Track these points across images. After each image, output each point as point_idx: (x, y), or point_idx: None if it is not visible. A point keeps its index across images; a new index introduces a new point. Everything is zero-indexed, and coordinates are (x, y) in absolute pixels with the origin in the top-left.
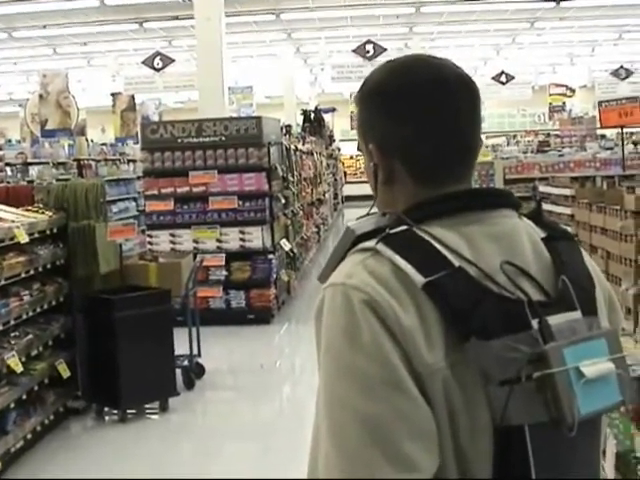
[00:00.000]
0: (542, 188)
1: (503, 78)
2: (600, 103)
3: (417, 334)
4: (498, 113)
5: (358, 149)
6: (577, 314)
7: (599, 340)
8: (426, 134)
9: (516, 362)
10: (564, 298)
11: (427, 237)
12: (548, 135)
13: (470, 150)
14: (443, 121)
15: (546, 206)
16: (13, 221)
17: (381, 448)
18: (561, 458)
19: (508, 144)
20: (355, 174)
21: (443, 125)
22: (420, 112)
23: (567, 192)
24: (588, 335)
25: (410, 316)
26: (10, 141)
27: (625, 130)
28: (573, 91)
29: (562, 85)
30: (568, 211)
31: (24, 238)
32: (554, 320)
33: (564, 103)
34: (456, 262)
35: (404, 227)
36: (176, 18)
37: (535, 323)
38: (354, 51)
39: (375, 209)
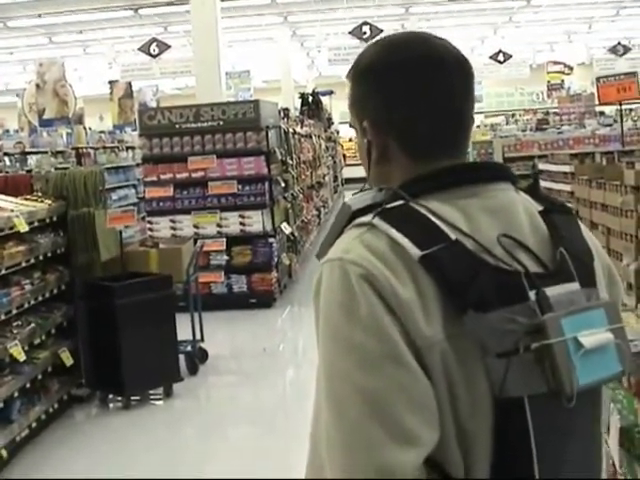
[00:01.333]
0: (541, 165)
1: (501, 57)
2: (598, 79)
3: (415, 307)
4: (496, 92)
5: (350, 126)
6: (575, 285)
7: (597, 310)
8: (420, 111)
9: (514, 334)
10: (562, 270)
11: (424, 211)
12: (547, 113)
13: (464, 128)
14: (437, 99)
15: (546, 183)
16: (12, 210)
17: (381, 421)
18: (561, 429)
19: (507, 123)
20: (354, 156)
21: (437, 103)
22: (414, 89)
23: (566, 169)
24: (586, 305)
25: (407, 289)
26: (8, 131)
27: (624, 107)
28: (571, 69)
29: (560, 63)
30: (568, 188)
31: (24, 227)
32: (552, 291)
33: (562, 81)
34: (453, 235)
35: (400, 201)
36: (171, 4)
37: (532, 294)
38: (350, 33)
39: (369, 185)
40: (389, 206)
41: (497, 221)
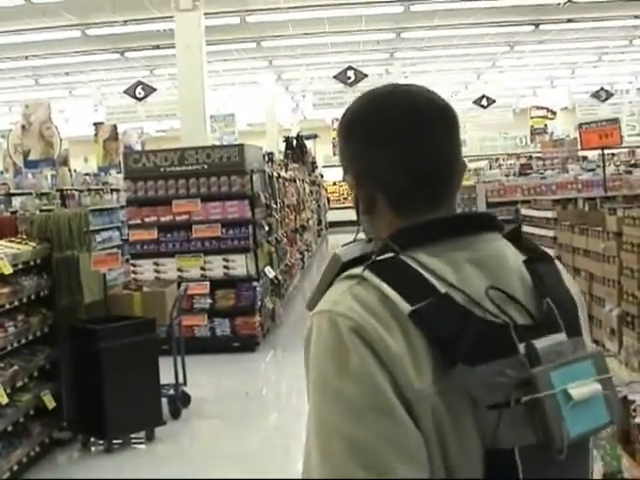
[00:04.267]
0: (524, 211)
1: (484, 102)
2: (580, 125)
3: (405, 360)
4: (480, 137)
5: (343, 179)
6: (562, 336)
7: (585, 362)
8: (404, 165)
9: (504, 387)
10: (549, 321)
11: (413, 264)
12: (530, 158)
13: (451, 177)
14: (421, 151)
15: (529, 229)
16: None
17: (370, 472)
18: (551, 479)
19: (490, 167)
20: (338, 200)
21: (421, 155)
22: (397, 143)
23: (549, 214)
24: (574, 357)
25: (398, 343)
26: None
27: (607, 151)
28: (554, 113)
29: (543, 108)
30: (551, 233)
31: (8, 269)
32: (540, 343)
33: (546, 125)
34: (442, 289)
35: (390, 254)
36: (157, 47)
37: (522, 347)
38: (335, 77)
39: (361, 235)
40: (379, 258)
41: (485, 273)
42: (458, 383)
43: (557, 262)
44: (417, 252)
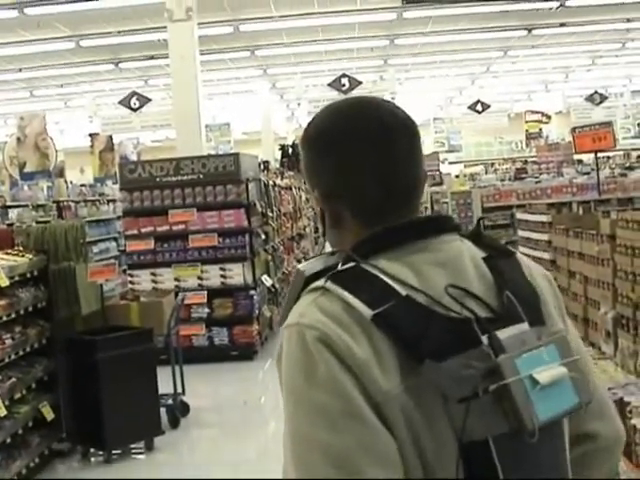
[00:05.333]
0: (519, 215)
1: (479, 107)
2: (574, 129)
3: (371, 364)
4: (475, 142)
5: (308, 192)
6: (524, 326)
7: (549, 346)
8: (368, 178)
9: (471, 378)
10: (510, 312)
11: (373, 270)
12: (525, 162)
13: (413, 189)
14: (384, 164)
15: (523, 233)
16: None
17: (343, 474)
18: (527, 464)
19: (486, 172)
20: None
21: (384, 168)
22: (361, 157)
23: (544, 218)
24: (538, 344)
25: (363, 348)
26: None
27: (602, 154)
28: (549, 117)
29: (538, 112)
30: (545, 237)
31: (4, 281)
32: (503, 334)
33: (540, 130)
34: (403, 291)
35: (351, 263)
36: (151, 57)
37: (485, 339)
38: (329, 85)
39: (328, 248)
40: (340, 269)
41: (445, 272)
42: (426, 380)
43: (520, 256)
44: (378, 259)
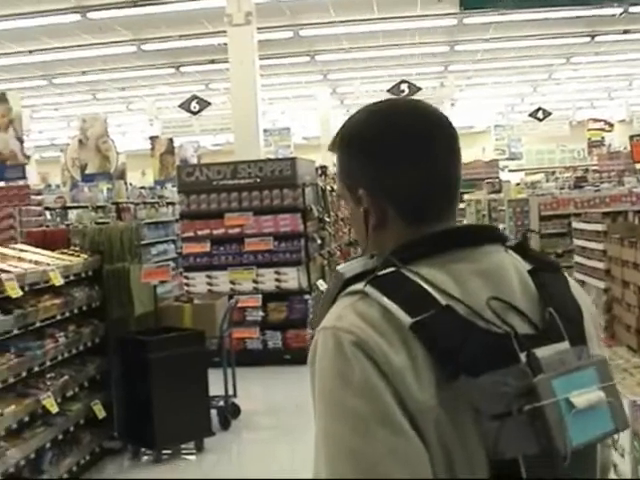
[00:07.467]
0: (575, 224)
1: (540, 114)
2: (632, 137)
3: (407, 373)
4: (537, 149)
5: (338, 196)
6: (565, 345)
7: (588, 369)
8: (414, 176)
9: (506, 396)
10: (552, 330)
11: (414, 277)
12: (586, 171)
13: (454, 191)
14: (428, 163)
15: (579, 242)
16: (49, 264)
17: None
18: None
19: (547, 181)
20: None
21: (429, 167)
22: (406, 155)
23: (599, 227)
24: (577, 365)
25: (400, 356)
26: (50, 186)
27: None
28: (612, 126)
29: (600, 120)
30: (600, 246)
31: (59, 281)
32: (542, 352)
33: (603, 138)
34: (443, 301)
35: (392, 268)
36: (212, 62)
37: (523, 356)
38: (389, 91)
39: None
40: (380, 273)
41: (487, 284)
42: (461, 394)
43: (565, 274)
44: (418, 265)
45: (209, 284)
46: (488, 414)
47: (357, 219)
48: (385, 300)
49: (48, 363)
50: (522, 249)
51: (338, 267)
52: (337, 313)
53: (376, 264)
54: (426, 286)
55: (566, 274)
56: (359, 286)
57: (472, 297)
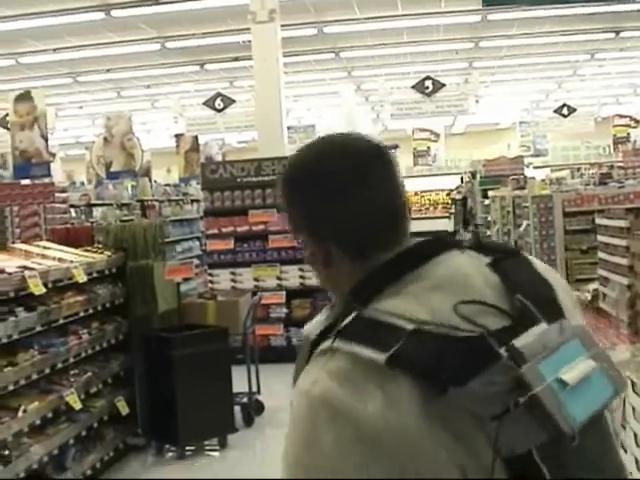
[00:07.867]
0: (599, 220)
1: (565, 111)
2: None
3: (386, 414)
4: (562, 146)
5: (290, 232)
6: (543, 326)
7: (572, 342)
8: (352, 212)
9: (498, 395)
10: (525, 316)
11: (378, 315)
12: (611, 167)
13: (397, 216)
14: (364, 196)
15: (602, 238)
16: (72, 261)
17: None
18: (575, 462)
19: (572, 177)
20: (420, 210)
21: (365, 200)
22: (340, 192)
23: (622, 224)
24: (559, 341)
25: (376, 404)
26: (74, 183)
27: None
28: (637, 122)
29: (626, 116)
30: (624, 243)
31: (82, 278)
32: (521, 341)
33: (628, 134)
34: (409, 326)
35: (354, 313)
36: (236, 59)
37: (503, 351)
38: (413, 87)
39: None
40: (344, 324)
41: (450, 293)
42: (455, 405)
43: (526, 255)
44: (379, 301)
45: (233, 281)
46: (487, 416)
47: (310, 261)
48: (355, 348)
49: (71, 360)
50: (477, 245)
51: (303, 329)
52: (312, 375)
53: (338, 312)
54: (391, 319)
55: (527, 255)
56: (327, 343)
57: (438, 312)
